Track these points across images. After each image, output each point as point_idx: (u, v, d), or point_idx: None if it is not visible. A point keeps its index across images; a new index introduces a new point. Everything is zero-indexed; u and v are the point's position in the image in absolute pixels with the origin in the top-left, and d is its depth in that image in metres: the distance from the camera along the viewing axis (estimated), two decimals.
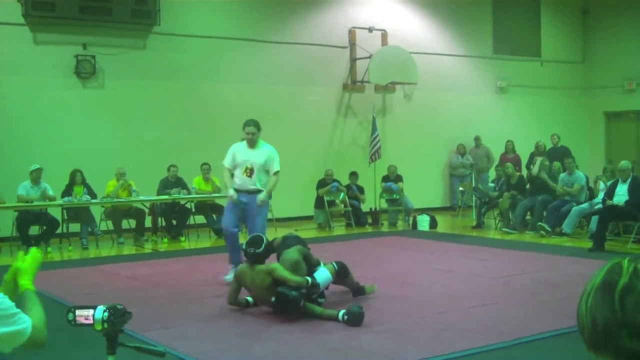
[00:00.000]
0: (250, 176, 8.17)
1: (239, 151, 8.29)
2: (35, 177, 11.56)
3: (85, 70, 13.11)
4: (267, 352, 5.54)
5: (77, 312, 2.71)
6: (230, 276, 7.70)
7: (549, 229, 12.17)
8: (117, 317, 2.68)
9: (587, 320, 1.52)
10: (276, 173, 8.25)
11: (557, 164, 13.44)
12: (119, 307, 2.71)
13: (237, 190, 8.22)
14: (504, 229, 13.06)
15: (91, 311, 2.68)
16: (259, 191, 8.18)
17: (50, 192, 11.59)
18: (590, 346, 1.53)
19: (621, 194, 10.87)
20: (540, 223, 12.36)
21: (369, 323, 6.28)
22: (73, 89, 13.11)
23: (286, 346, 5.71)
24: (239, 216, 8.43)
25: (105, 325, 2.67)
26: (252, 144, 8.25)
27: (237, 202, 8.17)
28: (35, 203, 11.47)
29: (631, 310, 1.46)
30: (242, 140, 8.46)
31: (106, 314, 2.67)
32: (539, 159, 13.72)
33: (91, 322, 2.69)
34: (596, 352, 1.52)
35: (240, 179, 8.24)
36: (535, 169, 13.53)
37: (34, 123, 12.65)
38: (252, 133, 8.22)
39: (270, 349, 5.61)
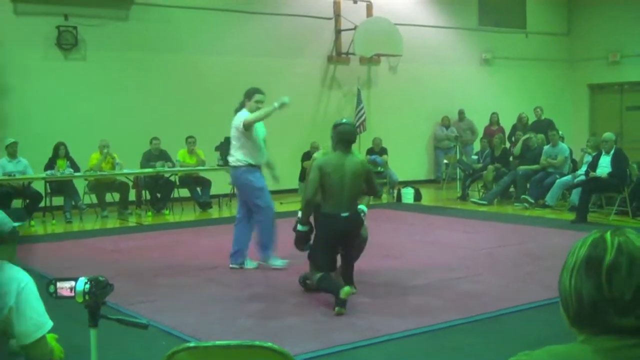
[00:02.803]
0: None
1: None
2: (12, 151, 11.47)
3: (67, 42, 12.94)
4: (251, 324, 5.55)
5: (59, 284, 2.70)
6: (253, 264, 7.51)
7: (532, 200, 12.24)
8: (99, 289, 2.67)
9: (571, 297, 1.51)
10: None
11: (540, 136, 13.49)
12: (100, 279, 2.70)
13: (259, 167, 7.52)
14: (472, 199, 13.20)
15: (72, 283, 2.67)
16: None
17: (20, 167, 11.49)
18: (574, 323, 1.53)
19: (604, 166, 10.91)
20: (523, 195, 12.43)
21: (354, 295, 6.29)
22: (55, 60, 12.94)
23: (271, 319, 5.71)
24: None
25: (87, 297, 2.66)
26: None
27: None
28: (17, 177, 11.38)
29: (618, 287, 1.46)
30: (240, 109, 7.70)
31: (88, 285, 2.65)
32: (520, 139, 13.69)
33: (72, 294, 2.67)
34: (580, 328, 1.52)
35: (262, 154, 7.59)
36: (517, 149, 13.53)
37: (15, 96, 12.49)
38: (262, 101, 7.52)
39: (254, 322, 5.62)
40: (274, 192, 14.11)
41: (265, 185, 7.52)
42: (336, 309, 5.75)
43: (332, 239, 6.20)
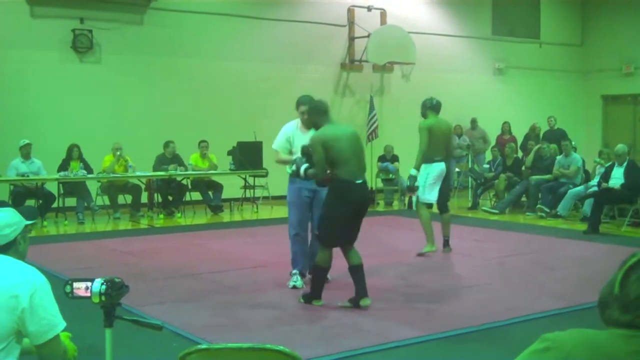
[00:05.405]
0: None
1: (295, 135, 6.87)
2: (25, 152, 11.57)
3: (82, 45, 13.04)
4: (261, 327, 5.57)
5: (75, 284, 2.73)
6: (293, 282, 6.92)
7: (547, 210, 12.22)
8: (115, 290, 2.70)
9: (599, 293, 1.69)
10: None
11: (553, 146, 13.47)
12: (116, 280, 2.73)
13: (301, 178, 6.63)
14: (483, 208, 13.20)
15: (89, 284, 2.70)
16: None
17: (33, 167, 11.57)
18: (600, 317, 1.69)
19: (617, 177, 10.90)
20: (539, 205, 12.41)
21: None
22: (70, 63, 13.05)
23: (280, 322, 5.74)
24: (307, 212, 6.98)
25: (103, 297, 2.69)
26: (308, 125, 6.73)
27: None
28: (30, 177, 11.47)
29: (628, 286, 1.59)
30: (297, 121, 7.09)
31: (104, 286, 2.68)
32: (533, 149, 13.67)
33: (89, 294, 2.70)
34: (606, 324, 1.67)
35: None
36: (528, 160, 13.50)
37: (30, 97, 12.59)
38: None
39: (264, 325, 5.64)
40: (285, 198, 14.21)
41: (293, 199, 6.95)
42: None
43: (349, 208, 5.99)
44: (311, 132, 6.58)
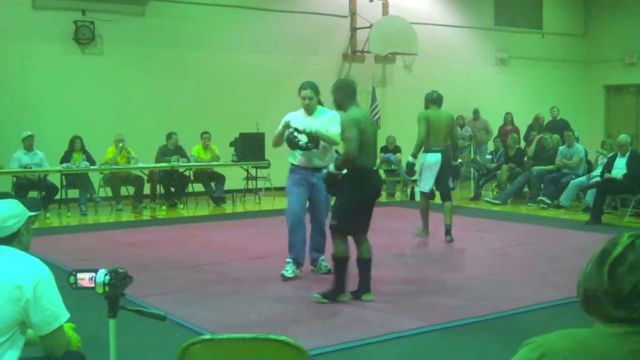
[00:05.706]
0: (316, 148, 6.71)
1: (296, 120, 6.72)
2: (28, 144, 11.59)
3: (84, 36, 13.03)
4: (264, 318, 5.59)
5: (79, 275, 2.74)
6: (284, 271, 6.85)
7: (549, 202, 12.22)
8: (119, 280, 2.71)
9: (580, 287, 1.63)
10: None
11: (555, 136, 13.46)
12: (120, 270, 2.74)
13: (301, 168, 6.88)
14: (485, 199, 13.20)
15: (93, 274, 2.71)
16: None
17: (36, 159, 11.58)
18: (584, 309, 1.64)
19: (619, 168, 10.90)
20: (540, 197, 12.40)
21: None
22: (72, 55, 13.04)
23: (283, 313, 5.75)
24: (305, 200, 6.95)
25: (107, 288, 2.70)
26: (309, 110, 6.83)
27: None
28: (33, 169, 11.48)
29: (618, 279, 1.55)
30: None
31: (108, 277, 2.70)
32: (535, 139, 13.65)
33: (92, 285, 2.71)
34: (591, 316, 1.63)
35: (304, 155, 6.81)
36: (531, 150, 13.49)
37: (32, 89, 12.59)
38: (310, 97, 6.78)
39: (267, 316, 5.66)
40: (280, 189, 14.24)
41: (291, 187, 6.92)
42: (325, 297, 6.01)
43: (369, 194, 5.97)
44: (314, 116, 6.74)
